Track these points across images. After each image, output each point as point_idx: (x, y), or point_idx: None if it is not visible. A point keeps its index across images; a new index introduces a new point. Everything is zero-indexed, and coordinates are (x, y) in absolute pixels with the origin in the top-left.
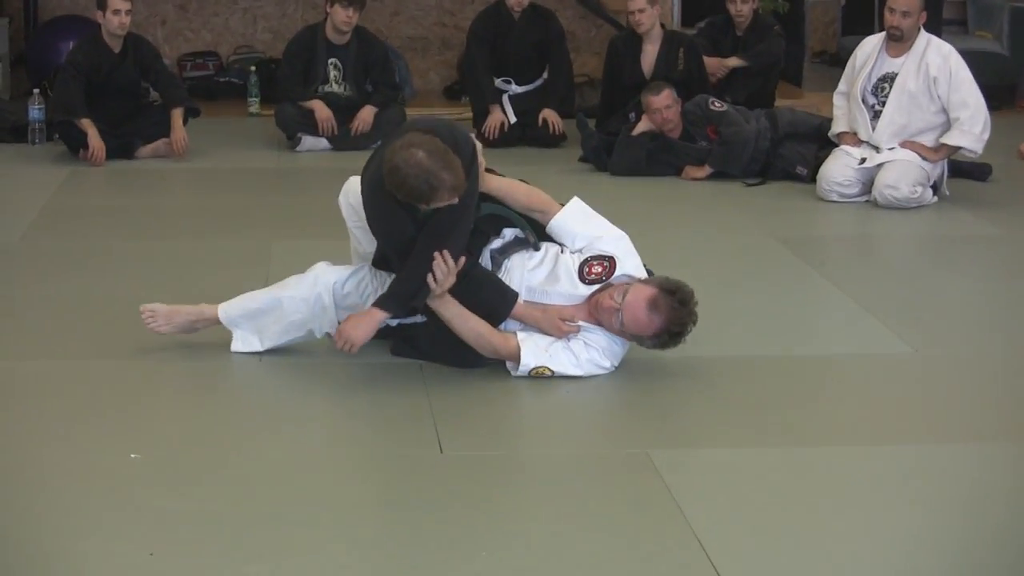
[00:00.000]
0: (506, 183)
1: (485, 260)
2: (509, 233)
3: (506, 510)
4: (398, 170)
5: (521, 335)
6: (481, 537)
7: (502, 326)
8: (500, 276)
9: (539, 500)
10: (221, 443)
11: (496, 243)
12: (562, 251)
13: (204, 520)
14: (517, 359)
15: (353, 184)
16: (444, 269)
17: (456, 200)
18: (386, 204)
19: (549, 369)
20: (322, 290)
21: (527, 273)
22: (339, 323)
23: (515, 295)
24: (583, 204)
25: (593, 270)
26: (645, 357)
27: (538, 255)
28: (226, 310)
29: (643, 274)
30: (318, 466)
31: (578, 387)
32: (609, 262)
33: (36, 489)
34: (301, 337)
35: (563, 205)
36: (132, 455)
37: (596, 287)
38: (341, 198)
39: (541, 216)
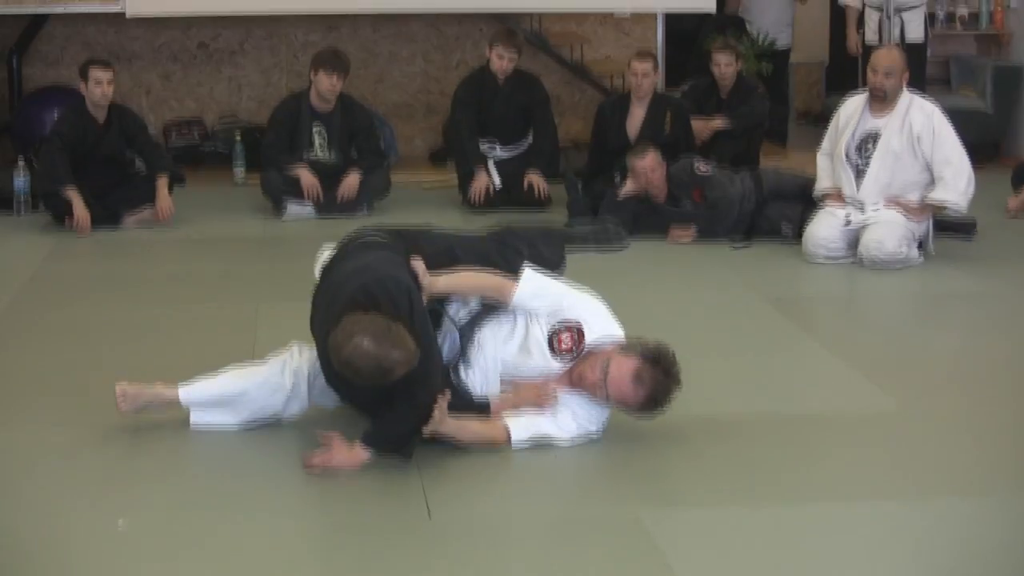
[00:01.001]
0: (455, 282)
1: (454, 338)
2: (475, 302)
3: (496, 573)
4: (350, 364)
5: (509, 419)
6: None
7: None
8: (473, 351)
9: (529, 563)
10: (208, 511)
11: (463, 314)
12: (530, 319)
13: None
14: (508, 442)
15: (327, 255)
16: (441, 411)
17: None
18: (343, 380)
19: (539, 438)
20: (298, 380)
21: (500, 346)
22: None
23: (487, 403)
24: (534, 274)
25: (563, 342)
26: (633, 418)
27: (508, 326)
28: (188, 394)
29: (615, 329)
30: (306, 533)
31: (567, 449)
32: (577, 330)
33: (17, 559)
34: (265, 421)
35: (516, 278)
36: (119, 521)
37: (569, 359)
38: (317, 268)
39: (499, 297)
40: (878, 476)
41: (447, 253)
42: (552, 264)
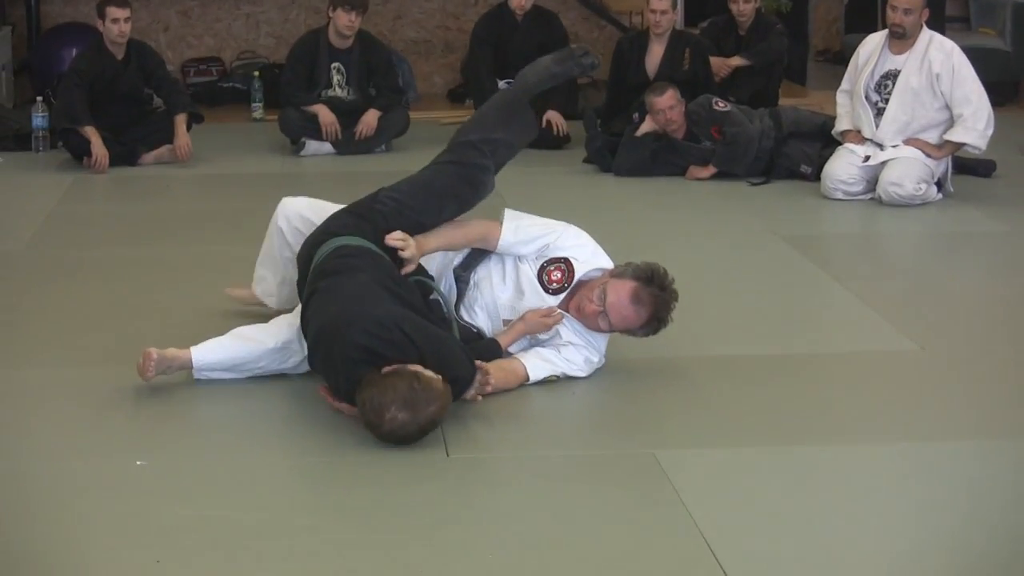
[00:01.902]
0: (440, 238)
1: (450, 282)
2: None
3: (512, 512)
4: (396, 437)
5: (520, 356)
6: (488, 539)
7: None
8: (471, 292)
9: (546, 502)
10: (226, 450)
11: (457, 259)
12: (519, 260)
13: (210, 527)
14: (527, 378)
15: (290, 206)
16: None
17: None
18: None
19: (555, 376)
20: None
21: (496, 287)
22: None
23: (496, 343)
24: (515, 213)
25: (553, 277)
26: (650, 357)
27: (499, 269)
28: (200, 365)
29: (603, 259)
30: (323, 471)
31: (584, 389)
32: (566, 264)
33: (41, 496)
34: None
35: (498, 220)
36: (138, 462)
37: (563, 294)
38: (281, 222)
39: (485, 245)
40: (897, 417)
41: (416, 229)
42: (523, 134)
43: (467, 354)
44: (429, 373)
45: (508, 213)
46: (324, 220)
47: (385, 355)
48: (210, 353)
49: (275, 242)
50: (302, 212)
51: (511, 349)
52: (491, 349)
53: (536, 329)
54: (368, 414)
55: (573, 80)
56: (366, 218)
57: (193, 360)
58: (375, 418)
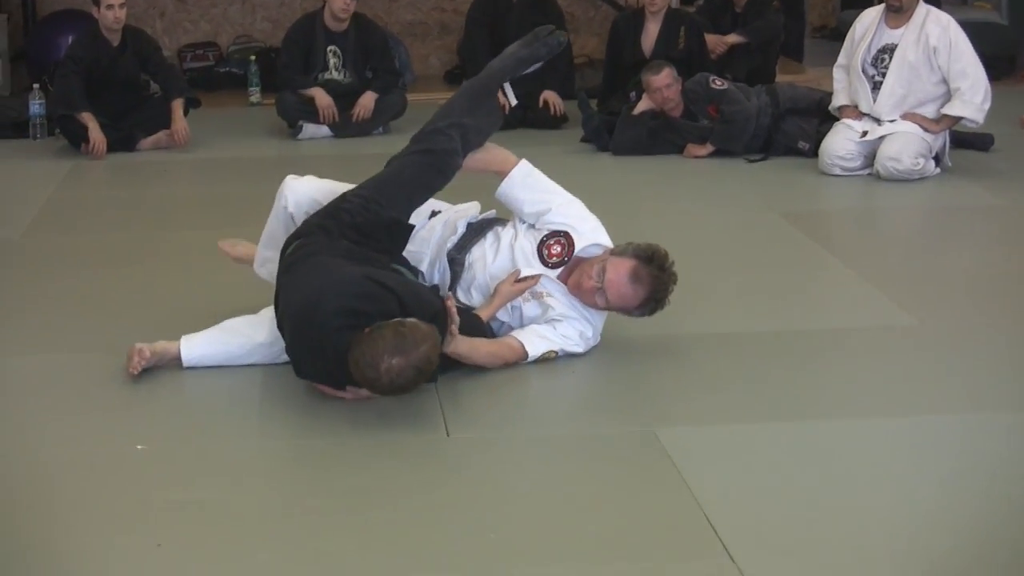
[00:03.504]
0: (478, 163)
1: (444, 265)
2: (461, 226)
3: (513, 491)
4: (397, 386)
5: (516, 334)
6: (488, 518)
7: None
8: (466, 274)
9: (546, 481)
10: (225, 433)
11: (451, 241)
12: (515, 236)
13: (210, 510)
14: (525, 355)
15: (298, 188)
16: (452, 332)
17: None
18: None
19: (554, 352)
20: None
21: (490, 266)
22: None
23: (478, 317)
24: (530, 167)
25: (552, 251)
26: (649, 335)
27: (494, 245)
28: (189, 359)
29: (603, 235)
30: (324, 452)
31: (583, 368)
32: (566, 238)
33: (41, 482)
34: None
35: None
36: (138, 446)
37: (561, 268)
38: (291, 206)
39: (499, 171)
40: (896, 391)
41: (384, 223)
42: (491, 122)
43: (436, 295)
44: (411, 319)
45: (523, 163)
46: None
47: (366, 311)
48: (199, 348)
49: (281, 224)
50: (312, 195)
51: (509, 330)
52: (473, 323)
53: (512, 296)
54: (364, 371)
55: (570, 60)
56: (332, 216)
57: (182, 356)
58: (372, 372)
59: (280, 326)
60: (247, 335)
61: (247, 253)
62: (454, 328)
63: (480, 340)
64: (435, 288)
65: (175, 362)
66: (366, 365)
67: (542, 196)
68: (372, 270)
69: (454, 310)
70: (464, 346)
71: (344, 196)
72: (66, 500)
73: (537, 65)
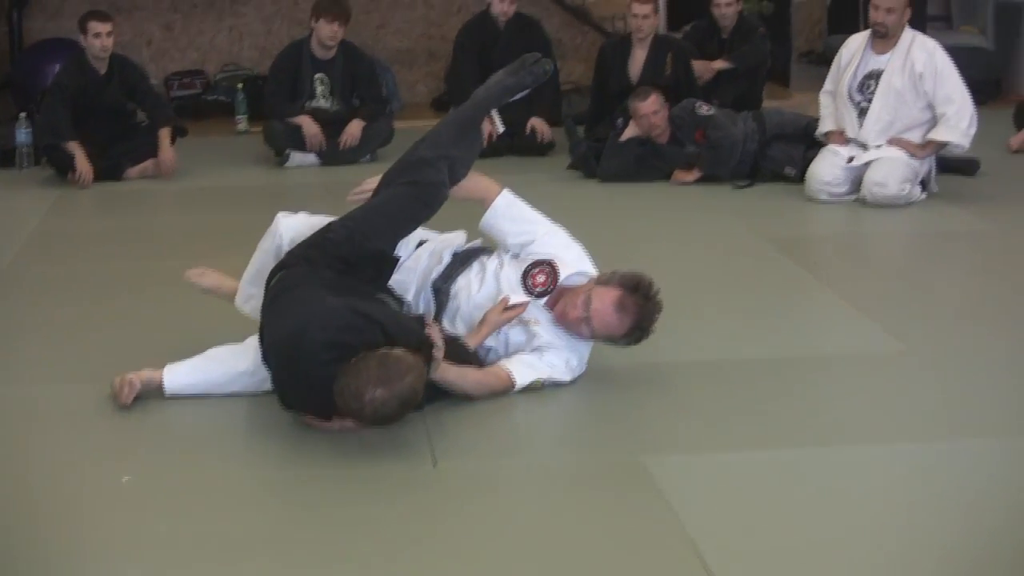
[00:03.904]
0: (467, 190)
1: (428, 296)
2: (447, 255)
3: (501, 521)
4: (382, 417)
5: (503, 363)
6: (476, 549)
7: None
8: (450, 303)
9: (534, 511)
10: (212, 465)
11: (437, 271)
12: (500, 265)
13: (197, 543)
14: (513, 385)
15: (292, 226)
16: (437, 360)
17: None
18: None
19: (540, 381)
20: None
21: (474, 296)
22: None
23: (465, 345)
24: (512, 196)
25: (537, 280)
26: (637, 363)
27: (479, 276)
28: (172, 388)
29: (589, 264)
30: (310, 483)
31: (570, 397)
32: (550, 267)
33: (27, 514)
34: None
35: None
36: (124, 478)
37: (546, 297)
38: (285, 245)
39: (482, 200)
40: (885, 418)
41: (369, 254)
42: (474, 151)
43: (421, 324)
44: (397, 350)
45: (506, 193)
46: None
47: (351, 343)
48: (182, 377)
49: (272, 261)
50: (304, 233)
51: (496, 358)
52: (461, 351)
53: (500, 324)
54: (349, 401)
55: (557, 86)
56: (317, 246)
57: (164, 385)
58: (355, 403)
59: (265, 357)
60: (230, 364)
61: (216, 284)
62: (439, 354)
63: (468, 369)
64: (420, 318)
65: (160, 391)
66: (350, 396)
67: (525, 226)
68: (357, 301)
69: (438, 336)
70: (452, 373)
71: (329, 226)
72: (52, 532)
73: (523, 93)
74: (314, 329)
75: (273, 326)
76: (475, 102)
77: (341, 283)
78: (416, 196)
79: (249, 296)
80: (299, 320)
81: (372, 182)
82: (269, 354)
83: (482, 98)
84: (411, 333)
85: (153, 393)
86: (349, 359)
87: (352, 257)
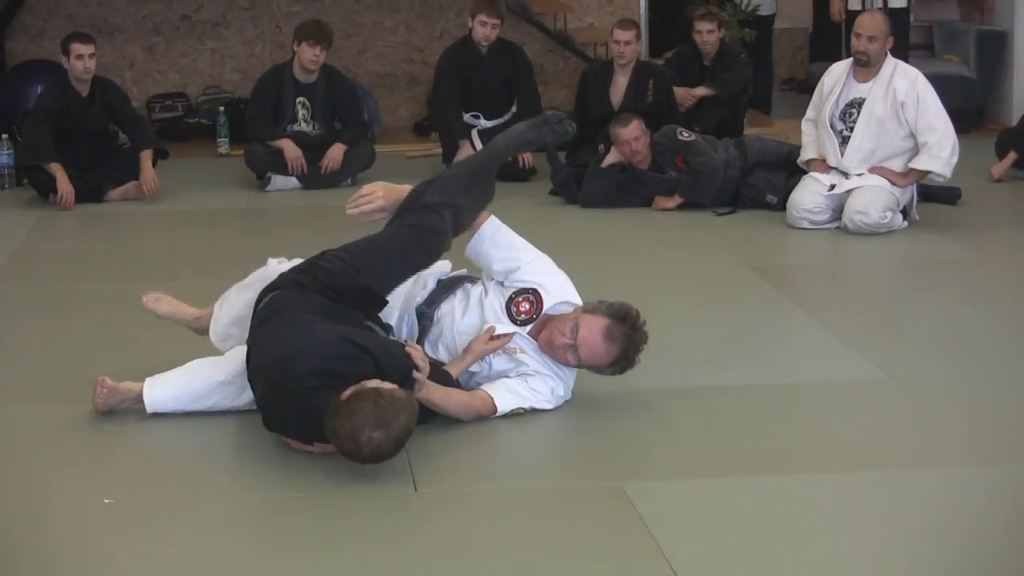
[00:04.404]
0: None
1: (412, 319)
2: (431, 282)
3: (481, 546)
4: (378, 456)
5: (487, 388)
6: (457, 573)
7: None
8: (434, 329)
9: (514, 535)
10: (194, 486)
11: (421, 296)
12: (485, 293)
13: (177, 565)
14: (494, 410)
15: (279, 270)
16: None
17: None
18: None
19: (522, 408)
20: None
21: (458, 322)
22: None
23: (447, 373)
24: (499, 223)
25: (521, 308)
26: (618, 389)
27: (463, 302)
28: (152, 403)
29: (573, 293)
30: (292, 506)
31: (551, 421)
32: (534, 295)
33: (6, 536)
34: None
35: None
36: (106, 500)
37: (530, 325)
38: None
39: (469, 230)
40: (863, 446)
41: (360, 290)
42: (483, 200)
43: (404, 350)
44: (387, 385)
45: (492, 219)
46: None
47: (341, 372)
48: (162, 389)
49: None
50: None
51: (481, 383)
52: (443, 378)
53: (484, 354)
54: (344, 443)
55: (539, 111)
56: (308, 272)
57: (144, 398)
58: (351, 445)
59: (251, 379)
60: (207, 374)
61: (171, 311)
62: (421, 376)
63: (453, 390)
64: (403, 344)
65: (140, 404)
66: (346, 439)
67: (511, 253)
68: (348, 329)
69: (421, 357)
70: (437, 393)
71: (323, 255)
72: (33, 555)
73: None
74: (305, 355)
75: (262, 348)
76: (493, 149)
77: (332, 310)
78: (416, 240)
79: (228, 336)
80: (289, 345)
81: (369, 189)
82: (256, 376)
83: (501, 148)
84: (400, 364)
85: (133, 411)
86: (337, 387)
87: (342, 289)
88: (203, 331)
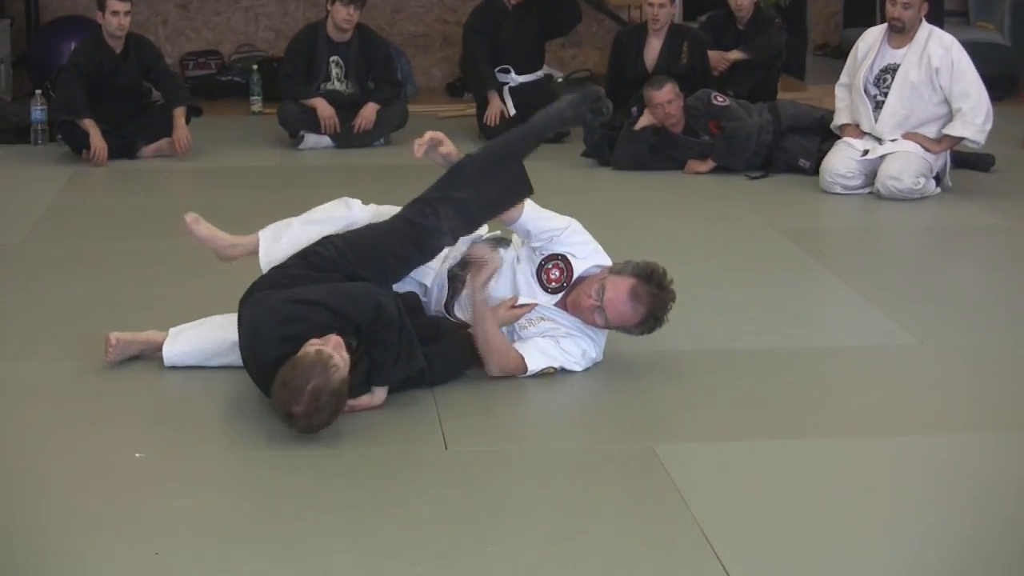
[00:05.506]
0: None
1: (442, 280)
2: (465, 243)
3: (511, 505)
4: (318, 425)
5: (518, 346)
6: (486, 532)
7: None
8: (463, 291)
9: (544, 495)
10: (224, 442)
11: (454, 258)
12: (518, 260)
13: (208, 519)
14: (524, 369)
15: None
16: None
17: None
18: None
19: (552, 368)
20: None
21: (489, 287)
22: None
23: (470, 336)
24: (532, 204)
25: (551, 276)
26: (648, 351)
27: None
28: (171, 356)
29: (604, 257)
30: (322, 463)
31: (582, 383)
32: (564, 262)
33: (39, 490)
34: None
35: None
36: (136, 454)
37: (561, 293)
38: (352, 215)
39: (505, 220)
40: (896, 411)
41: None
42: (509, 191)
43: (373, 289)
44: (295, 358)
45: (528, 203)
46: None
47: (298, 333)
48: (180, 344)
49: (327, 230)
50: (379, 218)
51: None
52: (466, 342)
53: (508, 320)
54: (290, 425)
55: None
56: (303, 257)
57: (164, 352)
58: (291, 426)
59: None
60: (222, 333)
61: (209, 235)
62: (480, 281)
63: (500, 333)
64: (413, 295)
65: (157, 353)
66: (284, 421)
67: (550, 222)
68: (292, 291)
69: (486, 252)
70: (490, 323)
71: (322, 241)
72: (64, 508)
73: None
74: (262, 331)
75: (240, 337)
76: (527, 130)
77: (309, 278)
78: (409, 236)
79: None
80: (250, 326)
81: (432, 134)
82: (243, 357)
83: (535, 127)
84: (363, 304)
85: (154, 367)
86: (299, 348)
87: (333, 274)
88: (232, 259)
